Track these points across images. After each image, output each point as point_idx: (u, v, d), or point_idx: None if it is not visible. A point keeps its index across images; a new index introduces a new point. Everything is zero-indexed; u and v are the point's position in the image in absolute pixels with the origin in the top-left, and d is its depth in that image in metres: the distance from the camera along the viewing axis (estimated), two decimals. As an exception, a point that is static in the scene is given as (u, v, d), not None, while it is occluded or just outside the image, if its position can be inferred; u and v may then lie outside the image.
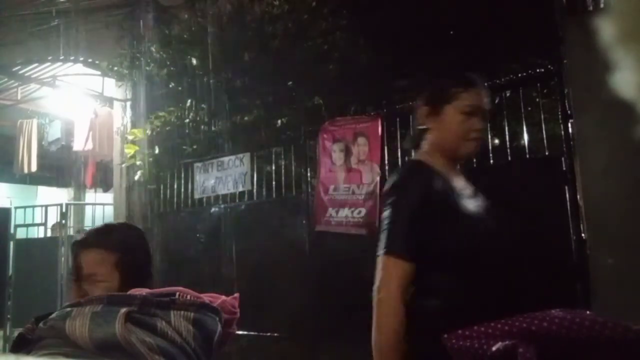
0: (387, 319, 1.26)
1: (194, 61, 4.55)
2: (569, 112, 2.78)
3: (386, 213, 1.35)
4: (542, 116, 2.97)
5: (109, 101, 5.53)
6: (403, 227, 1.30)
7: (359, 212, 3.37)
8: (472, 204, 1.39)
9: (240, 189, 4.17)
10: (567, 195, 2.70)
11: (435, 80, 1.52)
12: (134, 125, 5.02)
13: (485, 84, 1.53)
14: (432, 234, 1.29)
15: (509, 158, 3.04)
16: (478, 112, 1.41)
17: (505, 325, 0.84)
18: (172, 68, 4.73)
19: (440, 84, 1.48)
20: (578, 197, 2.66)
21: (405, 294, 1.27)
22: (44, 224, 6.36)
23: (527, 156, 2.98)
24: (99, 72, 5.34)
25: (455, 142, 1.41)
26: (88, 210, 7.53)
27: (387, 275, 1.28)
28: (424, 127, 1.47)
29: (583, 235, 2.63)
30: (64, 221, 6.12)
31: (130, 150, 4.80)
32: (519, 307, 0.86)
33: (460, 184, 1.42)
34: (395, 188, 1.37)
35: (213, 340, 0.82)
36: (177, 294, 0.92)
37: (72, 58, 5.17)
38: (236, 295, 0.94)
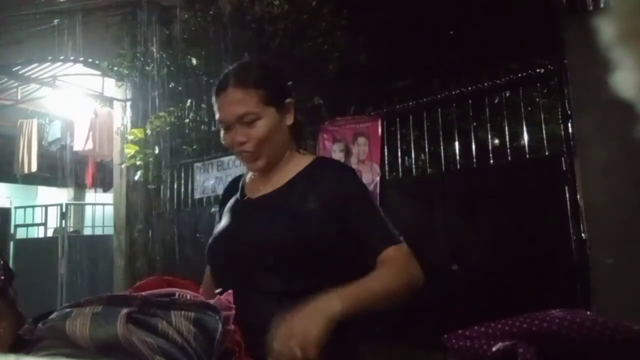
0: None
1: (194, 61, 4.55)
2: (569, 112, 2.78)
3: None
4: (542, 116, 2.97)
5: (109, 101, 5.52)
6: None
7: (359, 212, 3.37)
8: (244, 206, 1.25)
9: (241, 189, 4.16)
10: (567, 195, 2.70)
11: None
12: (134, 125, 5.02)
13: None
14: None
15: (509, 158, 3.04)
16: (223, 124, 1.18)
17: (505, 325, 0.83)
18: (172, 68, 4.73)
19: None
20: (578, 197, 2.66)
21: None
22: (44, 224, 6.35)
23: (527, 156, 2.98)
24: (99, 72, 5.34)
25: None
26: (88, 210, 7.53)
27: None
28: None
29: (583, 235, 2.63)
30: (64, 222, 6.12)
31: (130, 150, 4.79)
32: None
33: (259, 188, 1.25)
34: None
35: (215, 339, 0.81)
36: (177, 293, 0.92)
37: (72, 58, 5.16)
38: (230, 291, 0.94)
